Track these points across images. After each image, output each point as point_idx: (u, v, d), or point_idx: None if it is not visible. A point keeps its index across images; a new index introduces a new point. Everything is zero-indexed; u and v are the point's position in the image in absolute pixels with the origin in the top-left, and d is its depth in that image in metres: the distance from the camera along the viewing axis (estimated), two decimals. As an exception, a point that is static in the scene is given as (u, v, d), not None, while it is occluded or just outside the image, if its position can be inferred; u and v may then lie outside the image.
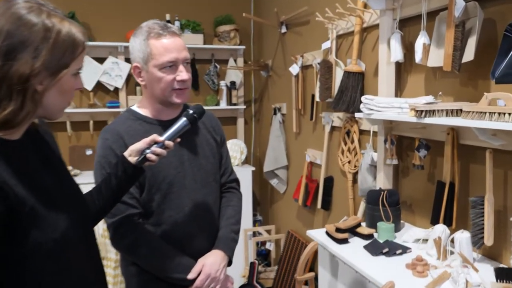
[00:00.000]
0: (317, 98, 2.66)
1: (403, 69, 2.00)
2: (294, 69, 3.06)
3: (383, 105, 1.79)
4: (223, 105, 3.81)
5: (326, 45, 2.54)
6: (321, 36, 2.76)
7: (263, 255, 3.77)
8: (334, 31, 2.51)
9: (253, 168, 3.74)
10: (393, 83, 1.99)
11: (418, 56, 1.72)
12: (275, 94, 3.62)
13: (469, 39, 1.54)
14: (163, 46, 1.38)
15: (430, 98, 1.72)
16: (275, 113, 3.47)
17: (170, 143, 1.31)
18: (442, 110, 1.52)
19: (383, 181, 2.03)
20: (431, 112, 1.52)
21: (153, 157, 1.28)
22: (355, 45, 2.28)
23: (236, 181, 1.72)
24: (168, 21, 3.58)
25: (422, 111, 1.52)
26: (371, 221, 1.89)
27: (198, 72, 3.83)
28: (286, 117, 3.39)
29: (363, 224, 1.93)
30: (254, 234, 3.87)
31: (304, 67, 3.02)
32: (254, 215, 4.05)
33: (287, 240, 3.33)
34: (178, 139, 1.35)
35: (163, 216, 1.45)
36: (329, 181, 2.71)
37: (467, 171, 1.66)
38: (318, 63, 2.77)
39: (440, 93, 1.61)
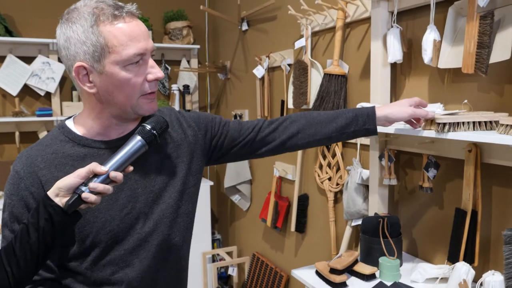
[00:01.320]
0: (289, 105, 2.31)
1: (400, 71, 1.69)
2: (259, 71, 2.69)
3: (385, 115, 1.46)
4: (175, 111, 3.36)
5: (300, 43, 2.19)
6: (291, 33, 2.41)
7: (223, 278, 3.36)
8: (309, 27, 2.17)
9: (211, 183, 3.33)
10: (389, 89, 1.67)
11: (427, 56, 1.41)
12: (235, 99, 3.24)
13: (499, 33, 1.24)
14: (125, 32, 0.96)
15: (439, 106, 1.42)
16: (235, 121, 3.08)
17: (118, 175, 0.90)
18: (468, 122, 1.20)
19: (377, 205, 1.70)
20: (455, 125, 1.20)
21: (91, 197, 0.88)
22: (337, 44, 1.94)
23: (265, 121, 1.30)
24: (110, 15, 3.08)
25: (444, 124, 1.20)
26: (369, 255, 1.55)
27: (146, 74, 3.35)
28: (249, 125, 3.01)
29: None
30: (214, 257, 3.46)
31: (271, 69, 2.65)
32: (213, 233, 3.64)
33: (253, 264, 2.95)
34: (131, 168, 0.94)
35: (101, 279, 1.03)
36: (303, 200, 2.36)
37: (489, 196, 1.36)
38: (289, 64, 2.43)
39: (465, 101, 1.30)
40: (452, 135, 1.19)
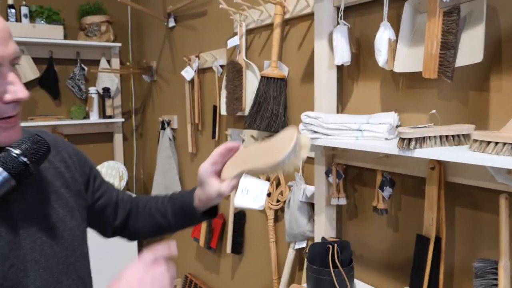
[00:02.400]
0: (222, 111, 2.04)
1: (347, 74, 1.49)
2: (188, 73, 2.40)
3: (334, 126, 1.24)
4: (94, 118, 2.98)
5: (233, 42, 1.94)
6: (223, 31, 2.15)
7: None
8: (243, 23, 1.92)
9: (137, 197, 2.98)
10: (335, 94, 1.46)
11: (382, 58, 1.21)
12: (162, 103, 2.92)
13: (466, 32, 1.06)
14: None
15: (393, 116, 1.23)
16: (163, 128, 2.76)
17: None
18: (435, 136, 1.02)
19: (324, 227, 1.49)
20: (421, 140, 1.01)
21: None
22: (275, 43, 1.71)
23: (132, 197, 1.13)
24: (11, 6, 2.64)
25: (410, 139, 1.00)
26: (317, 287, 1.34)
27: (58, 75, 2.94)
28: (178, 133, 2.71)
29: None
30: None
31: (201, 71, 2.38)
32: (139, 251, 3.27)
33: (185, 286, 2.65)
34: None
35: None
36: (240, 217, 2.11)
37: (453, 219, 1.20)
38: (221, 66, 2.17)
39: (433, 111, 1.11)
40: (419, 153, 0.99)
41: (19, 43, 2.72)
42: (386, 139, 1.18)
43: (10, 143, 0.74)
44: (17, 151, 0.66)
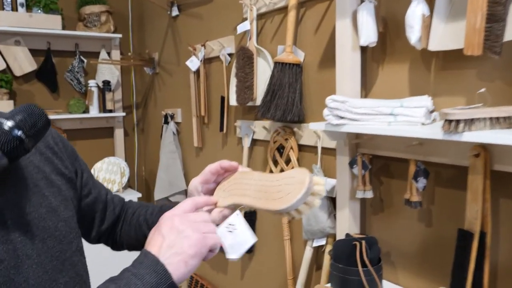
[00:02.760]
0: (231, 101, 1.93)
1: (372, 57, 1.37)
2: (193, 62, 2.28)
3: (363, 110, 1.13)
4: (94, 112, 2.85)
5: (243, 27, 1.82)
6: (231, 17, 2.03)
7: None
8: (254, 8, 1.80)
9: (139, 194, 2.86)
10: (359, 78, 1.35)
11: (414, 35, 1.10)
12: (165, 97, 2.80)
13: (517, 2, 0.95)
14: None
15: (426, 100, 1.11)
16: (166, 122, 2.64)
17: None
18: (484, 118, 0.90)
19: (348, 223, 1.38)
20: (469, 123, 0.90)
21: None
22: (290, 26, 1.60)
23: (123, 200, 1.02)
24: (7, -6, 2.52)
25: (458, 121, 0.89)
26: (344, 289, 1.22)
27: (57, 67, 2.82)
28: (182, 127, 2.59)
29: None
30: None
31: (207, 60, 2.26)
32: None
33: (191, 287, 2.53)
34: None
35: None
36: (250, 215, 1.99)
37: (497, 212, 1.08)
38: (229, 54, 2.05)
39: (483, 89, 1.00)
40: (469, 136, 0.88)
41: (15, 34, 2.60)
42: (423, 124, 1.07)
43: None
44: (10, 123, 0.54)
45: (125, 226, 0.97)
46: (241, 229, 0.71)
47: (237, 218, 0.72)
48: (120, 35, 2.92)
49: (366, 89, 1.39)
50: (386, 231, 1.38)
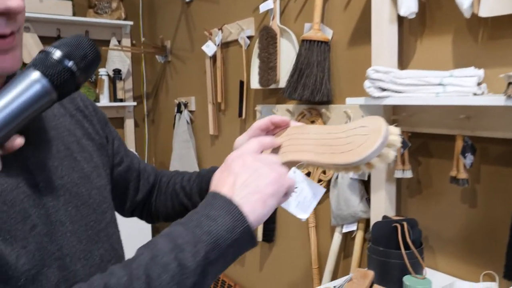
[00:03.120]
0: (252, 84, 1.86)
1: (409, 31, 1.30)
2: (209, 47, 2.21)
3: (409, 81, 1.06)
4: (104, 101, 2.79)
5: (266, 6, 1.75)
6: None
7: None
8: (278, -14, 1.73)
9: (151, 185, 2.79)
10: (396, 53, 1.28)
11: (466, 1, 1.03)
12: (177, 85, 2.73)
13: None
14: None
15: (474, 72, 1.04)
16: (179, 111, 2.57)
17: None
18: (552, 82, 0.83)
19: (384, 206, 1.31)
20: (536, 87, 0.83)
21: None
22: (318, 2, 1.53)
23: (156, 169, 0.95)
24: (17, -22, 2.44)
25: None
26: (385, 273, 1.15)
27: (67, 55, 2.74)
28: (196, 116, 2.52)
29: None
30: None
31: (224, 45, 2.19)
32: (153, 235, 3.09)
33: (205, 280, 2.46)
34: (18, 140, 0.47)
35: None
36: (271, 202, 1.92)
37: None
38: (249, 37, 1.98)
39: None
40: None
41: (25, 19, 2.53)
42: (475, 94, 1.00)
43: (8, 72, 0.56)
44: (59, 53, 0.47)
45: (160, 196, 0.90)
46: (303, 185, 0.64)
47: (295, 176, 0.64)
48: (131, 23, 2.85)
49: (403, 65, 1.32)
50: (424, 214, 1.31)
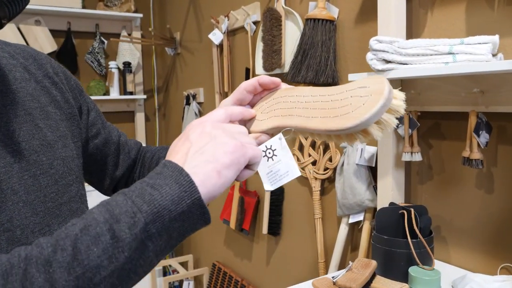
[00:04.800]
0: (257, 70, 1.78)
1: (418, 3, 1.20)
2: (216, 35, 2.14)
3: (416, 50, 0.96)
4: (114, 94, 2.76)
5: (271, -13, 1.67)
6: (257, -19, 1.89)
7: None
8: (283, -34, 1.65)
9: (160, 179, 2.74)
10: (404, 27, 1.18)
11: (477, -42, 0.93)
12: (186, 77, 2.67)
13: None
14: None
15: (493, 36, 0.93)
16: (188, 103, 2.52)
17: None
18: None
19: (392, 193, 1.21)
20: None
21: None
22: (323, -21, 1.44)
23: (140, 144, 0.90)
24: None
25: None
26: (389, 264, 1.05)
27: (77, 48, 2.73)
28: (205, 107, 2.46)
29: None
30: (165, 270, 2.87)
31: (231, 33, 2.12)
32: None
33: (213, 276, 2.39)
34: None
35: None
36: (278, 193, 1.84)
37: None
38: (254, 22, 1.90)
39: None
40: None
41: (35, 13, 2.53)
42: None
43: None
44: None
45: (144, 171, 0.83)
46: (282, 156, 0.55)
47: (279, 143, 0.56)
48: (141, 15, 2.82)
49: (412, 37, 1.22)
50: (435, 202, 1.20)
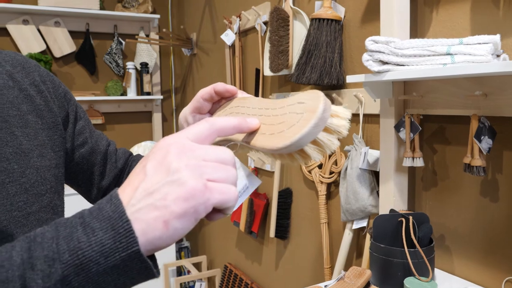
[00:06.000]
0: (265, 71, 1.76)
1: (423, 2, 1.15)
2: (228, 36, 2.13)
3: (412, 51, 0.92)
4: (131, 94, 2.79)
5: (278, -14, 1.65)
6: (268, -19, 1.86)
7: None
8: (291, -35, 1.62)
9: (175, 179, 2.75)
10: (408, 26, 1.13)
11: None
12: (202, 78, 2.68)
13: None
14: None
15: (494, 36, 0.88)
16: (202, 103, 2.51)
17: None
18: None
19: (393, 199, 1.16)
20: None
21: None
22: (329, -23, 1.40)
23: (129, 153, 0.87)
24: (45, -27, 2.50)
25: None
26: (386, 274, 1.01)
27: (95, 49, 2.78)
28: (219, 108, 2.45)
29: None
30: (181, 269, 2.89)
31: (243, 33, 2.10)
32: (180, 240, 3.06)
33: (225, 278, 2.38)
34: None
35: None
36: (286, 196, 1.81)
37: None
38: (265, 23, 1.88)
39: None
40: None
41: (55, 14, 2.58)
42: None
43: None
44: None
45: None
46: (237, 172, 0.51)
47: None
48: (158, 16, 2.84)
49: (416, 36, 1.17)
50: (439, 210, 1.14)
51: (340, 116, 0.44)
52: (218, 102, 0.61)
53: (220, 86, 0.59)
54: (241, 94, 0.60)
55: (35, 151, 0.64)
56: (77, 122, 0.77)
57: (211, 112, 0.61)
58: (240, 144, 0.52)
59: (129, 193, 0.40)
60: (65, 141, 0.73)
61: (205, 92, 0.59)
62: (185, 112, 0.61)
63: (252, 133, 0.49)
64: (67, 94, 0.76)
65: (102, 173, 0.81)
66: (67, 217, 0.40)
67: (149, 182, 0.39)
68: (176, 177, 0.39)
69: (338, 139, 0.45)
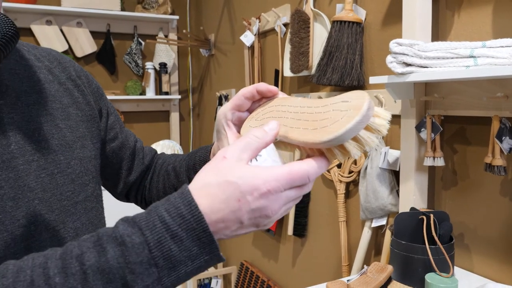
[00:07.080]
0: (285, 72, 1.79)
1: (445, 5, 1.18)
2: (247, 37, 2.17)
3: (436, 54, 0.95)
4: (150, 94, 2.84)
5: (299, -11, 1.68)
6: (288, -17, 1.90)
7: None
8: (312, -32, 1.66)
9: (192, 178, 2.80)
10: (429, 29, 1.16)
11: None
12: (219, 78, 2.72)
13: None
14: None
15: (516, 43, 0.90)
16: (220, 104, 2.56)
17: None
18: None
19: (413, 198, 1.19)
20: None
21: None
22: (351, -19, 1.43)
23: (155, 151, 0.91)
24: (69, -25, 2.57)
25: None
26: (406, 270, 1.04)
27: (116, 50, 2.84)
28: (236, 108, 2.49)
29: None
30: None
31: (262, 34, 2.14)
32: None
33: (241, 275, 2.42)
34: None
35: None
36: (304, 196, 1.83)
37: None
38: (285, 24, 1.92)
39: None
40: None
41: (77, 15, 2.65)
42: (512, 66, 0.87)
43: None
44: None
45: (154, 177, 0.85)
46: (267, 160, 0.55)
47: (265, 149, 0.56)
48: (177, 17, 2.89)
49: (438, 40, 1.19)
50: (459, 209, 1.17)
51: (381, 116, 0.47)
52: (259, 101, 0.64)
53: (262, 85, 0.63)
54: (282, 95, 0.63)
55: (78, 143, 0.69)
56: (109, 117, 0.81)
57: (251, 110, 0.65)
58: (278, 139, 0.55)
59: (206, 205, 0.46)
60: (100, 134, 0.77)
61: (247, 90, 0.63)
62: (225, 108, 0.65)
63: (292, 129, 0.52)
64: (99, 89, 0.80)
65: (130, 168, 0.85)
66: (142, 215, 0.46)
67: (231, 228, 0.47)
68: (244, 230, 0.48)
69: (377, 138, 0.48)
